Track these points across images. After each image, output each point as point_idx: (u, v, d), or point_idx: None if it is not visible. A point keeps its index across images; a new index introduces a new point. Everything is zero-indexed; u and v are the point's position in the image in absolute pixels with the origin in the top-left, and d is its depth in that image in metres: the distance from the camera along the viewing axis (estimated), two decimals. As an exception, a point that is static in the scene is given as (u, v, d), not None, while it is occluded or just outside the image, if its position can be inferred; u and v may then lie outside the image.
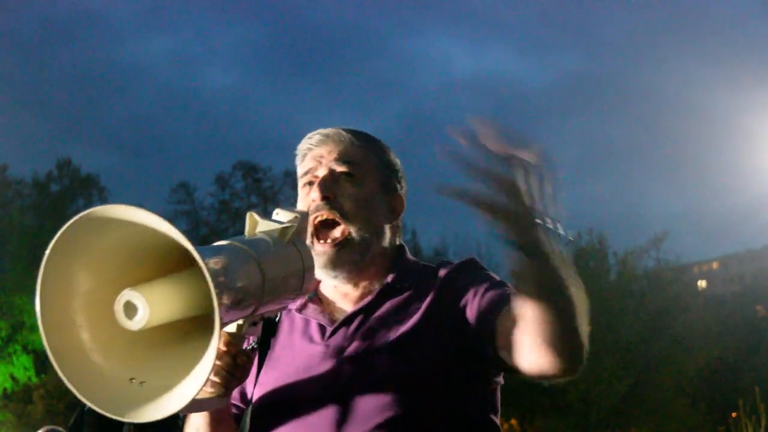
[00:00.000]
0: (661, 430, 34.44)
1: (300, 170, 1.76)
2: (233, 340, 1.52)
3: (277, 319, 1.77)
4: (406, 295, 1.70)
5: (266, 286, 1.44)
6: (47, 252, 1.33)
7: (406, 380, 1.59)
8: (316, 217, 1.68)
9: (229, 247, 1.44)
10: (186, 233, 1.28)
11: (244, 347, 1.56)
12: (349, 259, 1.68)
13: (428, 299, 1.67)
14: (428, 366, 1.61)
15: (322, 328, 1.72)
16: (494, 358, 1.59)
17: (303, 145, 1.76)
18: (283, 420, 1.65)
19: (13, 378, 26.04)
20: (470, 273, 1.71)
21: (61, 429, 5.39)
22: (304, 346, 1.71)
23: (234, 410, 1.73)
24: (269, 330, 1.71)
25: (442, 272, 1.73)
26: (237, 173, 36.05)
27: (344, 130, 1.75)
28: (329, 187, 1.68)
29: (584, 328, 1.43)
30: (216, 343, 1.27)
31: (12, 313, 26.54)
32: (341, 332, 1.69)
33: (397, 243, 1.80)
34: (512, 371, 1.60)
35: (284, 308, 1.65)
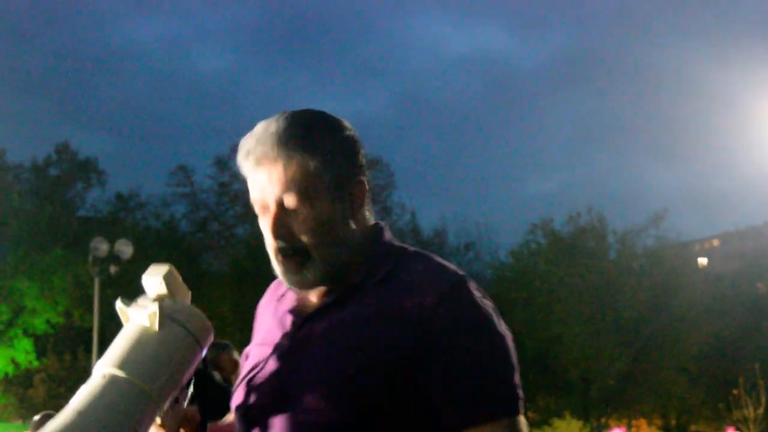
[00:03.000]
0: (661, 408, 34.58)
1: (250, 193, 1.63)
2: (163, 424, 1.58)
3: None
4: (371, 294, 1.56)
5: (155, 393, 1.45)
6: None
7: (348, 390, 1.48)
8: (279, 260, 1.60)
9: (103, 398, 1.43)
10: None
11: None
12: (313, 277, 1.57)
13: (398, 324, 1.50)
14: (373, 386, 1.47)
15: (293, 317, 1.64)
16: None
17: (242, 165, 1.62)
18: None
19: (14, 362, 26.14)
20: (454, 333, 1.50)
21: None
22: (280, 332, 1.65)
23: None
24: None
25: (426, 298, 1.51)
26: (235, 155, 35.93)
27: (277, 141, 1.56)
28: (283, 226, 1.56)
29: None
30: None
31: (12, 297, 26.62)
32: (307, 328, 1.59)
33: (371, 225, 1.66)
34: None
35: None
